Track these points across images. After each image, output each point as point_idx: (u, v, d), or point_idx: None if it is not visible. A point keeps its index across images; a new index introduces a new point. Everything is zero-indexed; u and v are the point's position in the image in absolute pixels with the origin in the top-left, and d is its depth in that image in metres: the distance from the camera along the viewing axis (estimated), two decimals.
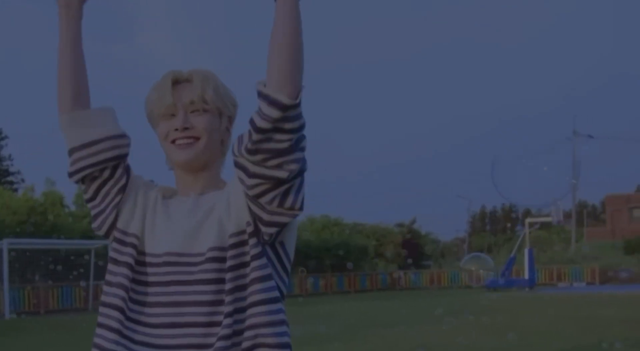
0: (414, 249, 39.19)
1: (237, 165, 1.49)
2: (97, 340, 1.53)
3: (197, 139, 1.58)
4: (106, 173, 1.63)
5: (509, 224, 68.08)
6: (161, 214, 1.60)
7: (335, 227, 34.88)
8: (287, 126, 1.40)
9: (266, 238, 1.52)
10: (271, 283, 1.50)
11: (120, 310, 1.52)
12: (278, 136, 1.41)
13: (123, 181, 1.63)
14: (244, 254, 1.50)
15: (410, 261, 35.29)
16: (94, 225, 1.67)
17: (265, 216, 1.49)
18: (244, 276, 1.49)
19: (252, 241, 1.50)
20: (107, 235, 1.65)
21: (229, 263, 1.49)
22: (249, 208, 1.51)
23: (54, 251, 21.06)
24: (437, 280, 33.75)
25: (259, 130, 1.40)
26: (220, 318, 1.47)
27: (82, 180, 1.65)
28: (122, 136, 1.65)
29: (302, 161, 1.47)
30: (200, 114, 1.58)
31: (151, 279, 1.55)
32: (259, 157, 1.42)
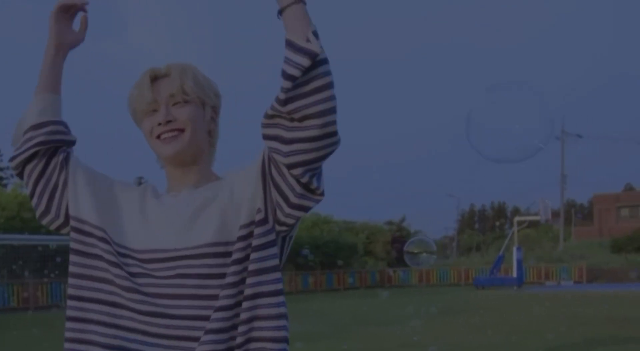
0: (403, 247, 39.28)
1: (269, 136, 1.46)
2: (91, 337, 1.52)
3: (182, 130, 1.56)
4: (46, 157, 1.63)
5: (497, 223, 68.36)
6: (153, 210, 1.58)
7: (325, 225, 34.90)
8: (318, 80, 1.40)
9: (290, 221, 1.50)
10: (278, 275, 1.50)
11: (115, 305, 1.52)
12: (311, 77, 1.40)
13: (61, 157, 1.64)
14: (251, 246, 1.48)
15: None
16: (45, 221, 1.64)
17: (293, 198, 1.46)
18: (267, 258, 1.48)
19: (258, 230, 1.48)
20: (65, 224, 1.62)
21: (237, 255, 1.47)
22: (269, 192, 1.49)
23: (43, 247, 21.00)
24: (425, 278, 33.91)
25: (289, 77, 1.38)
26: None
27: (25, 165, 1.63)
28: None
29: (337, 137, 1.44)
30: (182, 106, 1.57)
31: (146, 272, 1.53)
32: (290, 107, 1.40)
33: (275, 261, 1.50)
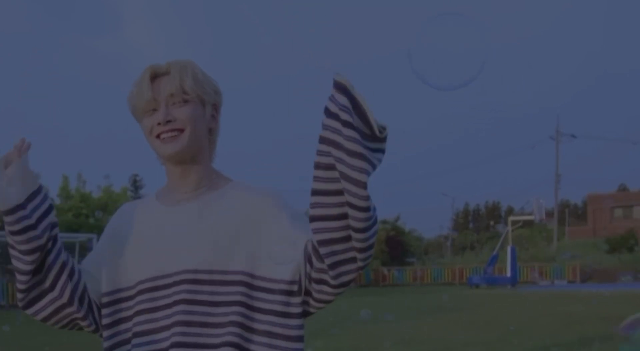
0: (398, 246, 39.34)
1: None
2: None
3: (182, 130, 1.54)
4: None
5: (492, 222, 68.50)
6: (164, 228, 1.57)
7: None
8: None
9: (315, 295, 1.51)
10: (301, 346, 1.52)
11: None
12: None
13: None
14: (288, 304, 1.49)
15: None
16: (66, 312, 1.56)
17: (313, 273, 1.47)
18: (284, 326, 1.49)
19: (296, 299, 1.49)
20: (84, 317, 1.58)
21: (260, 304, 1.49)
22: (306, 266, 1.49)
23: None
24: (420, 277, 33.97)
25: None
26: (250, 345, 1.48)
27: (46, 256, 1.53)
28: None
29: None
30: (181, 105, 1.54)
31: (164, 302, 1.52)
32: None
33: (302, 332, 1.51)
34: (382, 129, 1.33)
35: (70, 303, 1.54)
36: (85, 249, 20.21)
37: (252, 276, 1.49)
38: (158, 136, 1.56)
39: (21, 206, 1.48)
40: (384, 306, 18.06)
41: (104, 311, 1.58)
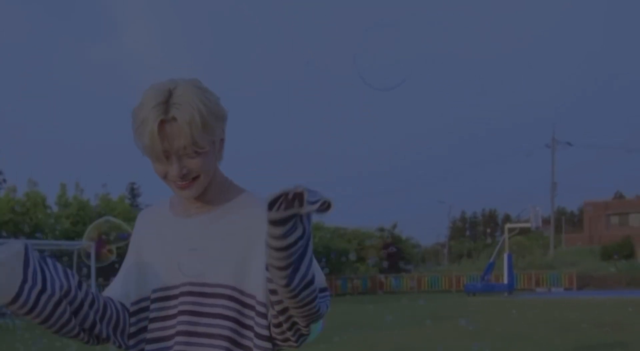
0: (395, 253, 39.38)
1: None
2: None
3: (197, 178, 1.54)
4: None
5: (488, 230, 68.56)
6: (175, 238, 1.62)
7: (316, 231, 34.96)
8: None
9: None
10: None
11: None
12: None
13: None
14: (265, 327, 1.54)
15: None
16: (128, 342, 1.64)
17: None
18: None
19: (259, 320, 1.54)
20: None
21: (248, 321, 1.55)
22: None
23: (37, 252, 20.94)
24: (417, 284, 34.01)
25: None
26: None
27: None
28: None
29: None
30: (194, 156, 1.52)
31: (172, 311, 1.59)
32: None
33: None
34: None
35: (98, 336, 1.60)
36: (83, 257, 20.21)
37: (240, 292, 1.54)
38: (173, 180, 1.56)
39: (22, 285, 1.43)
40: (379, 313, 18.10)
41: (130, 320, 1.64)
